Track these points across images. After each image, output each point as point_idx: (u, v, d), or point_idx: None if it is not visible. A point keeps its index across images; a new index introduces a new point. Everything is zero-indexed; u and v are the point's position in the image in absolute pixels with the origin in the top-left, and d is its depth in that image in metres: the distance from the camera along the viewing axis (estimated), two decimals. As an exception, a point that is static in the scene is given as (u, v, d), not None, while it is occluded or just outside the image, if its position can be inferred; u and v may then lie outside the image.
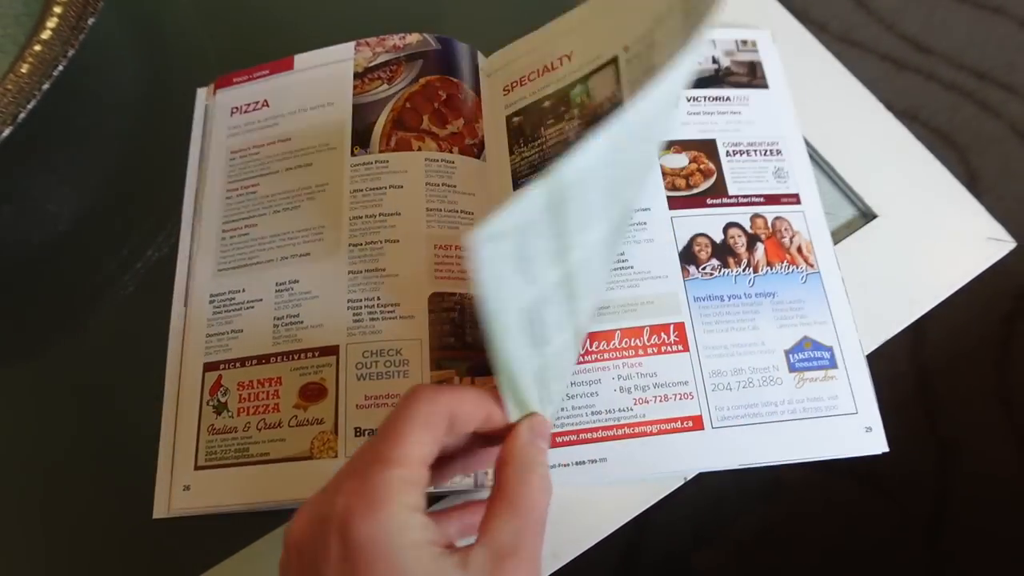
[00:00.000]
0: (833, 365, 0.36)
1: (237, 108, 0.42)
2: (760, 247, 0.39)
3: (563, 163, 0.18)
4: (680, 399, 0.35)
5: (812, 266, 0.38)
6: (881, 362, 0.37)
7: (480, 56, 0.44)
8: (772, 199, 0.40)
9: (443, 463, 0.28)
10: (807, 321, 0.37)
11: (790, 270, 0.38)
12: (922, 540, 0.86)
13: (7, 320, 0.41)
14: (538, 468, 0.25)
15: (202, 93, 0.44)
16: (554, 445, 0.34)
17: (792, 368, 0.36)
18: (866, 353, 0.37)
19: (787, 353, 0.36)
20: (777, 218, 0.39)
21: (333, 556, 0.22)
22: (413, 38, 0.41)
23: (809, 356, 0.36)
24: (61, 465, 0.37)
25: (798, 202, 0.40)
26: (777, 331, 0.37)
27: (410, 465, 0.23)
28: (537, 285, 0.22)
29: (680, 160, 0.40)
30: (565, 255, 0.22)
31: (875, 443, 0.35)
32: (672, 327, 0.37)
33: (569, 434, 0.35)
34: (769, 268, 0.38)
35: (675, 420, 0.35)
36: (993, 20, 1.18)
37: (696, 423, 0.35)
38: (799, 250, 0.39)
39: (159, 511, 0.34)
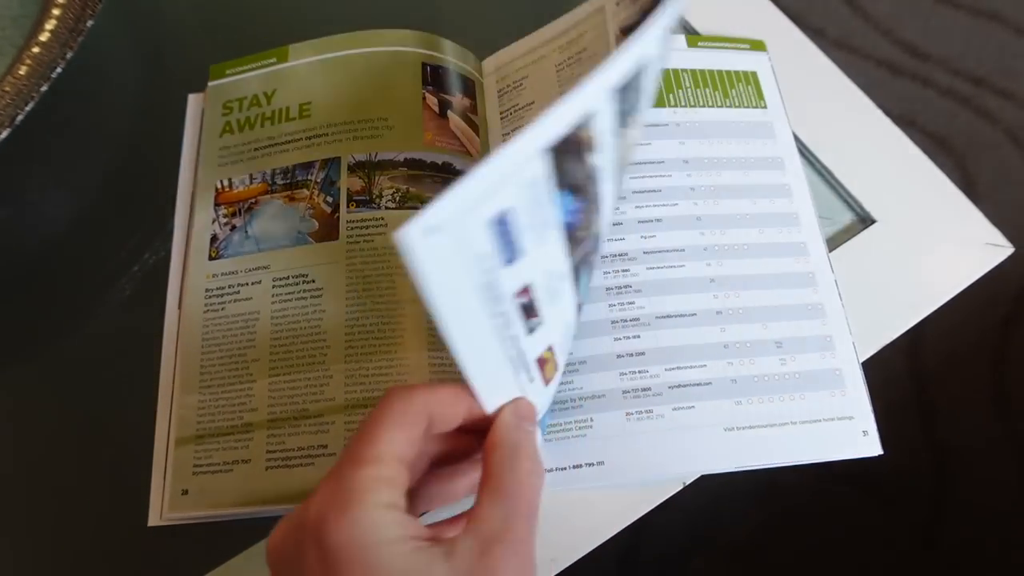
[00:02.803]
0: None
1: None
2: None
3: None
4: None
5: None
6: (878, 367, 0.37)
7: (474, 59, 0.44)
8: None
9: (442, 478, 0.28)
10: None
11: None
12: (918, 545, 0.86)
13: (2, 322, 0.40)
14: (526, 451, 0.25)
15: (192, 99, 0.44)
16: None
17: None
18: (864, 358, 0.37)
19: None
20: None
21: (311, 562, 0.21)
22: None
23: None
24: (56, 469, 0.37)
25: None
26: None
27: (382, 463, 0.23)
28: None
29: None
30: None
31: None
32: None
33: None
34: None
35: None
36: (989, 26, 1.18)
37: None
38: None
39: (154, 517, 0.34)
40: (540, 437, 0.33)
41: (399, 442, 0.23)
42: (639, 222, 0.39)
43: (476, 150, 0.41)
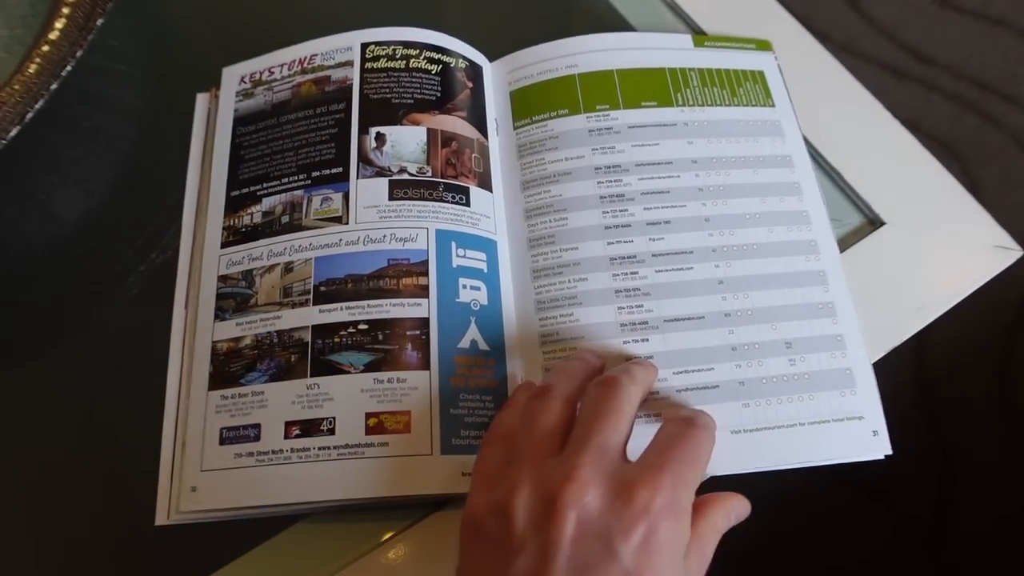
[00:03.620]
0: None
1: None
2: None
3: None
4: (688, 404, 0.35)
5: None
6: (883, 370, 0.37)
7: (484, 60, 0.44)
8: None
9: None
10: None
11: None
12: (923, 550, 0.86)
13: (10, 322, 0.40)
14: (720, 535, 0.31)
15: (202, 98, 0.44)
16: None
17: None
18: (873, 361, 0.37)
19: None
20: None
21: (635, 541, 0.25)
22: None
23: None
24: (63, 468, 0.37)
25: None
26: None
27: (695, 488, 0.28)
28: None
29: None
30: None
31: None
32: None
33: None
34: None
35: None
36: (995, 31, 1.18)
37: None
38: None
39: (161, 516, 0.34)
40: None
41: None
42: (648, 224, 0.39)
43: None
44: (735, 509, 0.30)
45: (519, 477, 0.28)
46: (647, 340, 0.36)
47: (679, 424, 0.30)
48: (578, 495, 0.26)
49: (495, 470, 0.30)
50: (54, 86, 0.37)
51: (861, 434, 0.35)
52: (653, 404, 0.35)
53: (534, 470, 0.28)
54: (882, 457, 0.35)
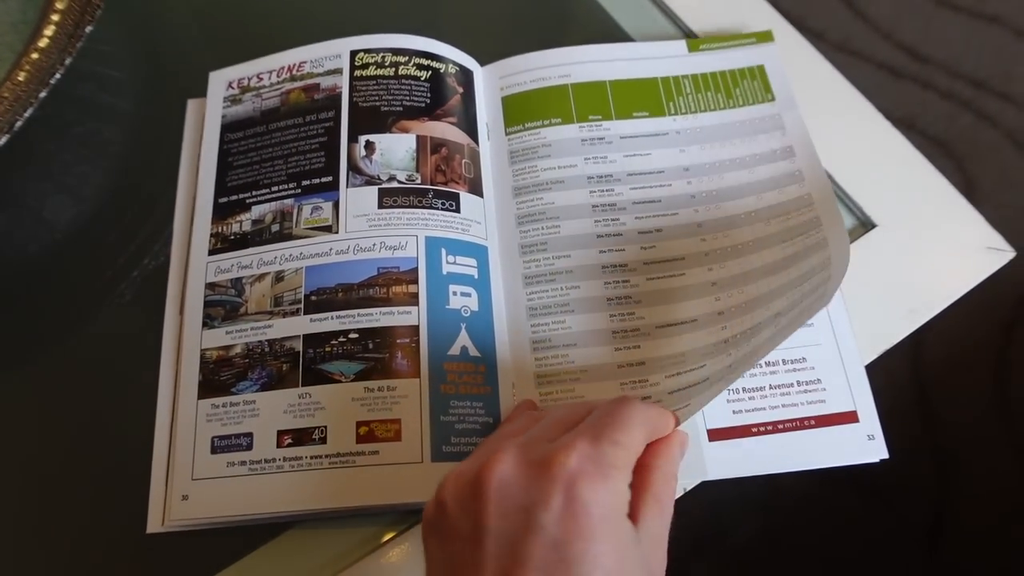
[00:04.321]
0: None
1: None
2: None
3: None
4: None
5: None
6: (880, 371, 0.37)
7: (476, 64, 0.44)
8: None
9: None
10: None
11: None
12: (921, 550, 0.86)
13: (1, 328, 0.40)
14: (676, 480, 0.29)
15: (192, 104, 0.44)
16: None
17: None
18: (866, 363, 0.37)
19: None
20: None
21: (555, 507, 0.24)
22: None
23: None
24: (54, 475, 0.37)
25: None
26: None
27: (631, 451, 0.26)
28: None
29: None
30: None
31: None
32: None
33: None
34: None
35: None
36: (990, 29, 1.18)
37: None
38: None
39: (153, 524, 0.34)
40: None
41: (640, 440, 0.27)
42: (639, 232, 0.39)
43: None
44: (679, 447, 0.29)
45: (464, 463, 0.27)
46: (639, 347, 0.36)
47: (606, 404, 0.28)
48: (497, 471, 0.25)
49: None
50: (43, 94, 0.37)
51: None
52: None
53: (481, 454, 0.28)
54: (878, 461, 0.35)
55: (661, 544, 0.27)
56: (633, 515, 0.26)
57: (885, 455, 0.35)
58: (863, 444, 0.35)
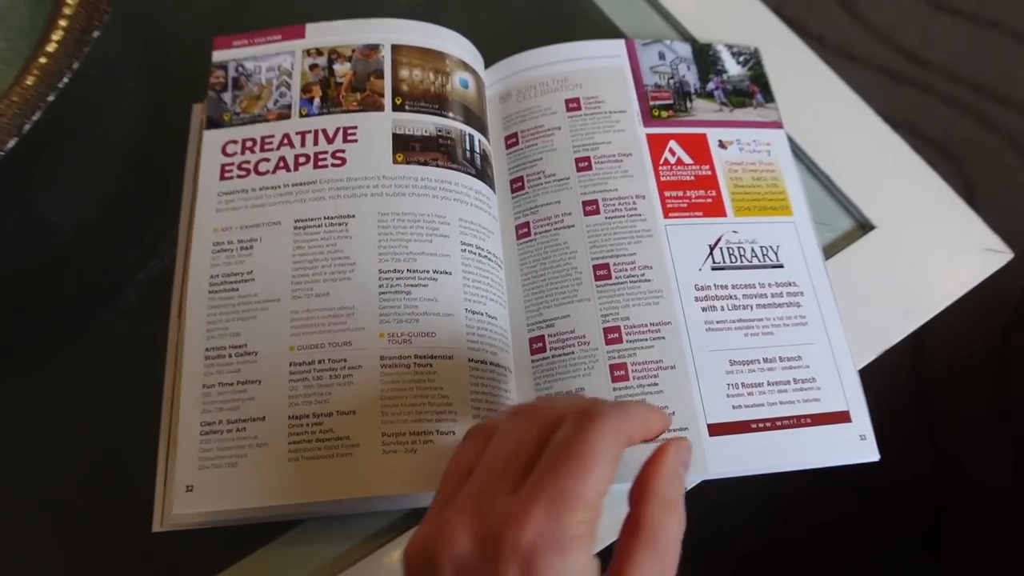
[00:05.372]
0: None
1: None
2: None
3: None
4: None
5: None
6: (880, 373, 0.37)
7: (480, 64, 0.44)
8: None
9: None
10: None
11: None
12: (921, 551, 0.86)
13: (8, 330, 0.41)
14: (680, 504, 0.24)
15: (197, 108, 0.44)
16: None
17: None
18: (864, 364, 0.37)
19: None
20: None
21: None
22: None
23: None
24: (59, 476, 0.37)
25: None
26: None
27: (596, 506, 0.23)
28: None
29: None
30: None
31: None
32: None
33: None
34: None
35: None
36: (989, 34, 1.19)
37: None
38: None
39: (157, 523, 0.34)
40: None
41: (608, 479, 0.23)
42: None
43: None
44: (676, 460, 0.25)
45: (422, 527, 0.25)
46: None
47: (570, 423, 0.24)
48: (449, 548, 0.23)
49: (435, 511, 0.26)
50: (51, 98, 0.38)
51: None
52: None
53: (437, 516, 0.24)
54: (870, 461, 0.35)
55: None
56: (619, 570, 0.23)
57: (876, 456, 0.35)
58: (855, 444, 0.35)
